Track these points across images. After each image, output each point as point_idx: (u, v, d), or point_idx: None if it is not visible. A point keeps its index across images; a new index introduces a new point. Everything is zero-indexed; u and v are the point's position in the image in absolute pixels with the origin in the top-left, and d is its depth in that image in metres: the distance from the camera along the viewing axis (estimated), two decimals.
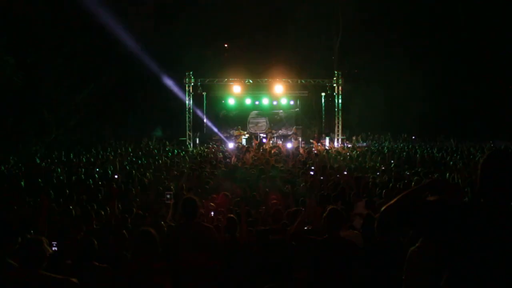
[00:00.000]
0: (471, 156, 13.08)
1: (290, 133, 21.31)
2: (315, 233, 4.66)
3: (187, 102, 19.92)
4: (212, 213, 6.11)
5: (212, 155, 14.38)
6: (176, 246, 4.00)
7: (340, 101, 20.24)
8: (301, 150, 16.83)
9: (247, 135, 20.86)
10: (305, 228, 5.00)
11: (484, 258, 1.62)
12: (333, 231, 3.93)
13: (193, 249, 3.96)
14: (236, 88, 20.10)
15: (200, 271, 3.92)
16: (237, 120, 21.98)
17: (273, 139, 20.50)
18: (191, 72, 19.84)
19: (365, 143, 20.31)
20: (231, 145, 18.55)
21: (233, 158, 13.79)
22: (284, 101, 21.33)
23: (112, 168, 10.99)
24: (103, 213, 5.57)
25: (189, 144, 19.42)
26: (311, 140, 20.00)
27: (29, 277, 2.82)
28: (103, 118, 20.43)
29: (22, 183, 8.82)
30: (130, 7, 21.42)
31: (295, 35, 22.68)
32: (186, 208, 4.17)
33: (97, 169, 11.16)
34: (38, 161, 12.86)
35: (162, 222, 5.17)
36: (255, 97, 21.21)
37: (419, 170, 10.74)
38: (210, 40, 22.29)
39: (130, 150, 16.04)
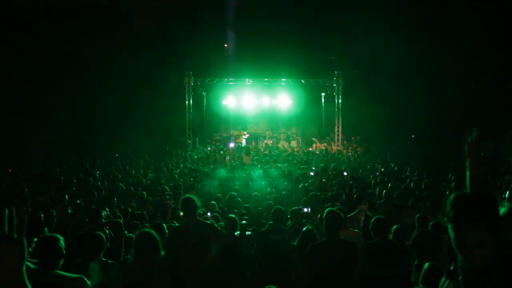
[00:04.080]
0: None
1: (290, 133, 21.31)
2: (314, 233, 4.67)
3: (187, 102, 19.91)
4: (209, 213, 6.10)
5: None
6: (177, 246, 4.01)
7: (340, 101, 20.24)
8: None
9: (247, 135, 20.86)
10: (304, 228, 5.01)
11: None
12: (332, 233, 3.93)
13: (194, 248, 3.97)
14: (236, 88, 20.10)
15: (200, 270, 3.92)
16: (237, 120, 21.95)
17: (273, 140, 20.52)
18: (191, 72, 19.84)
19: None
20: (231, 144, 18.53)
21: (228, 158, 13.80)
22: (284, 101, 21.32)
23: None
24: (105, 212, 5.57)
25: (189, 144, 19.42)
26: (313, 138, 20.00)
27: (45, 277, 2.81)
28: (102, 119, 20.43)
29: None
30: (130, 7, 21.41)
31: (295, 35, 22.65)
32: (185, 207, 4.18)
33: (97, 172, 11.17)
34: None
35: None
36: (255, 97, 21.18)
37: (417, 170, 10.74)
38: (210, 40, 22.27)
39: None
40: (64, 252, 2.92)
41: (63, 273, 2.88)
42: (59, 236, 2.97)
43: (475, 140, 2.61)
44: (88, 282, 2.85)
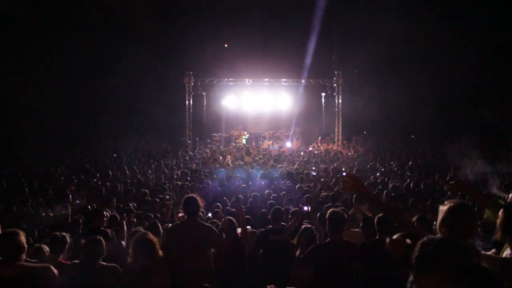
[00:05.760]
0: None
1: (290, 133, 21.30)
2: (313, 231, 4.67)
3: (187, 102, 19.92)
4: (210, 214, 6.09)
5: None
6: (176, 246, 3.99)
7: (340, 101, 20.24)
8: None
9: (247, 135, 20.86)
10: (303, 226, 5.02)
11: None
12: (335, 234, 3.93)
13: (193, 249, 3.96)
14: (236, 88, 20.10)
15: (199, 270, 3.92)
16: (237, 120, 21.95)
17: (273, 139, 20.52)
18: (191, 72, 19.85)
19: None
20: (231, 145, 18.45)
21: (227, 158, 13.80)
22: (284, 101, 21.32)
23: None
24: (106, 213, 5.54)
25: (189, 144, 19.43)
26: (319, 137, 20.01)
27: (8, 268, 2.86)
28: (102, 119, 20.44)
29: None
30: (130, 7, 21.42)
31: (295, 35, 22.66)
32: (188, 207, 4.14)
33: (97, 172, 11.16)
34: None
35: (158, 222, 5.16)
36: (255, 97, 21.18)
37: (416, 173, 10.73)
38: (210, 40, 22.29)
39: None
40: (26, 245, 3.01)
41: (28, 264, 2.93)
42: (19, 231, 3.05)
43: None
44: (55, 271, 2.89)
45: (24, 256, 3.00)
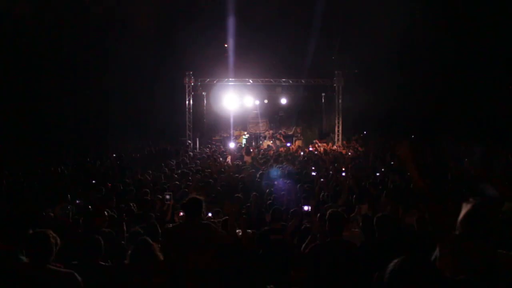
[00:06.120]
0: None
1: (290, 133, 21.31)
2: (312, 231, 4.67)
3: (187, 102, 19.92)
4: (210, 213, 6.09)
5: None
6: (176, 246, 3.99)
7: (340, 101, 20.24)
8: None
9: (247, 135, 20.87)
10: (303, 226, 5.02)
11: None
12: (335, 234, 3.93)
13: (193, 249, 3.95)
14: (236, 88, 20.10)
15: (200, 271, 3.92)
16: (237, 120, 21.95)
17: (273, 140, 20.52)
18: (191, 72, 19.85)
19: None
20: (232, 145, 18.50)
21: (228, 158, 13.79)
22: (284, 101, 21.32)
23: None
24: (106, 213, 5.53)
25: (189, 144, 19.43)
26: (314, 141, 20.01)
27: (37, 271, 2.83)
28: (102, 119, 20.45)
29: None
30: (130, 7, 21.41)
31: (295, 35, 22.66)
32: (189, 207, 4.13)
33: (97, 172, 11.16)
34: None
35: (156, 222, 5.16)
36: (255, 97, 21.19)
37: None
38: (210, 40, 22.29)
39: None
40: (56, 248, 2.93)
41: (54, 268, 2.89)
42: (50, 232, 2.97)
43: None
44: (79, 278, 2.87)
45: (52, 259, 2.93)
